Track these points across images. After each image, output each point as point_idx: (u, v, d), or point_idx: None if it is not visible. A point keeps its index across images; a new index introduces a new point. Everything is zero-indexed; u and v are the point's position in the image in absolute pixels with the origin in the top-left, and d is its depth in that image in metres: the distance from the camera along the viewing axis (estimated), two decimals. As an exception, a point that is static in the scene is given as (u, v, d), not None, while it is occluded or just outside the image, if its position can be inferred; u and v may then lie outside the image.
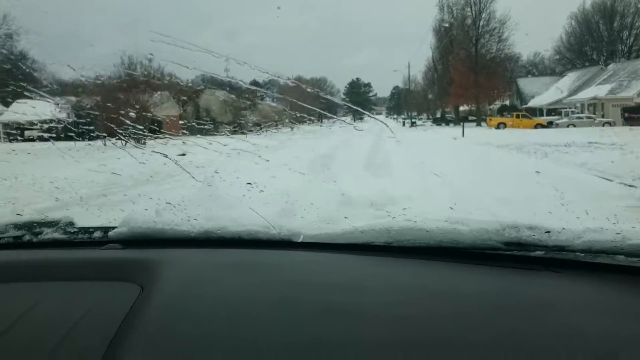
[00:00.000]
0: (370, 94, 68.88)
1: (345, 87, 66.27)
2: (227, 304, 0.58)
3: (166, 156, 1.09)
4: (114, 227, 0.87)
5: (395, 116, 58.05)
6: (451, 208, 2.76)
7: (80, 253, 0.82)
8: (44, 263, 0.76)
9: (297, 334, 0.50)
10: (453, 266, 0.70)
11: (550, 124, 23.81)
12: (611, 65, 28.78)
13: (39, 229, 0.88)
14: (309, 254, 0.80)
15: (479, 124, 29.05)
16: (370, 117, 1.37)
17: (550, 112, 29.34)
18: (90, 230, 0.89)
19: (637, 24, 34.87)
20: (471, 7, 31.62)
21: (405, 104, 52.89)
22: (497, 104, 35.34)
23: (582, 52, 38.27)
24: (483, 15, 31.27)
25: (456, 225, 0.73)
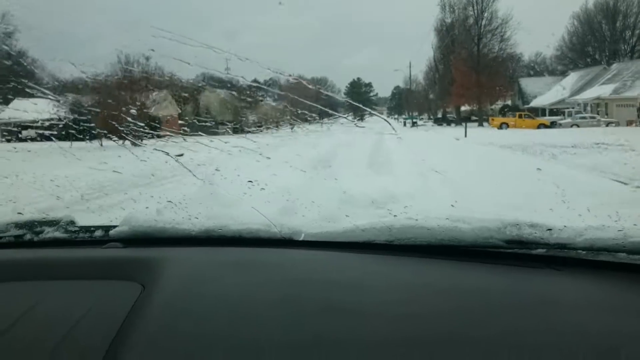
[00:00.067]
0: (371, 94, 69.00)
1: (346, 87, 66.48)
2: (229, 303, 0.58)
3: (168, 154, 1.09)
4: (115, 226, 0.87)
5: (396, 116, 58.05)
6: (452, 205, 2.77)
7: (81, 252, 0.82)
8: (45, 262, 0.76)
9: (299, 332, 0.50)
10: (454, 264, 0.70)
11: (553, 124, 23.78)
12: (615, 65, 28.78)
13: (40, 228, 0.88)
14: (310, 252, 0.80)
15: (480, 124, 29.05)
16: (373, 113, 1.37)
17: (552, 112, 29.30)
18: (92, 229, 0.89)
19: (640, 23, 35.11)
20: (473, 6, 31.71)
21: (406, 104, 52.91)
22: (499, 104, 35.32)
23: (584, 52, 38.29)
24: (485, 15, 31.41)
25: (457, 223, 0.74)
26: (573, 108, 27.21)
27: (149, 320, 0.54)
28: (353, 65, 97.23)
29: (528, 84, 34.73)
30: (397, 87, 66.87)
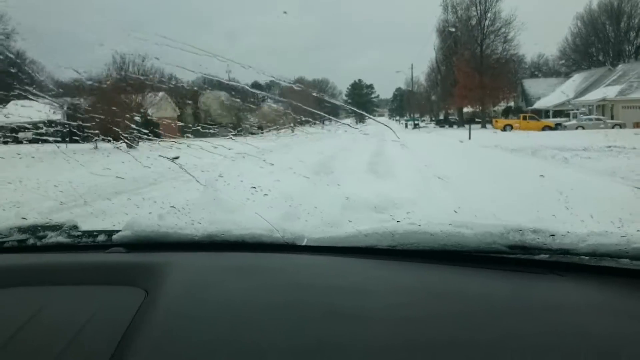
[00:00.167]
0: (373, 96, 69.48)
1: (347, 88, 66.90)
2: (232, 308, 0.59)
3: (172, 160, 1.09)
4: (117, 231, 0.88)
5: (397, 118, 58.37)
6: (455, 211, 2.76)
7: (84, 257, 0.83)
8: (48, 267, 0.76)
9: (301, 337, 0.51)
10: (457, 269, 0.71)
11: (558, 126, 23.84)
12: (620, 66, 28.87)
13: (43, 233, 0.89)
14: (313, 257, 0.81)
15: (483, 126, 29.12)
16: (373, 119, 1.37)
17: (556, 113, 29.38)
18: (94, 233, 0.90)
19: (644, 24, 35.35)
20: (476, 7, 31.78)
21: (407, 105, 53.22)
22: (502, 106, 35.48)
23: (588, 53, 38.43)
24: (488, 15, 31.48)
25: (460, 229, 0.74)
26: (578, 110, 27.29)
27: (153, 325, 0.54)
28: (354, 67, 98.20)
29: (531, 86, 34.86)
30: (398, 89, 67.38)
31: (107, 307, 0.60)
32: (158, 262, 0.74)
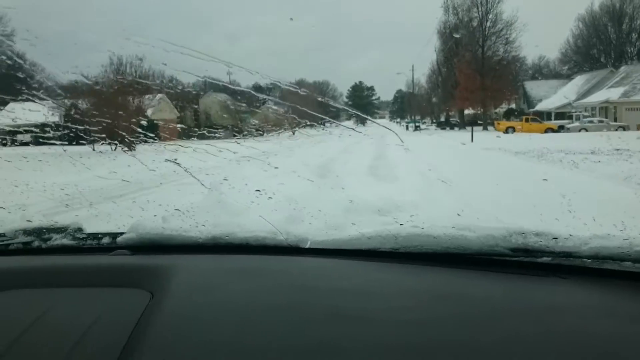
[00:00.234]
0: (373, 98, 69.72)
1: (348, 90, 67.16)
2: (236, 310, 0.59)
3: (179, 165, 1.10)
4: (122, 233, 0.89)
5: (398, 120, 58.48)
6: (458, 214, 2.77)
7: (89, 259, 0.83)
8: (53, 269, 0.77)
9: (305, 339, 0.52)
10: (460, 272, 0.71)
11: (561, 128, 23.87)
12: (623, 68, 28.86)
13: (48, 235, 0.90)
14: (316, 259, 0.82)
15: (485, 128, 29.13)
16: (374, 122, 1.39)
17: (558, 116, 29.43)
18: (99, 236, 0.91)
19: (646, 26, 35.50)
20: (478, 8, 31.80)
21: (408, 107, 53.35)
22: (503, 108, 35.55)
23: (590, 55, 38.53)
24: (490, 17, 31.46)
25: (463, 232, 0.75)
26: (580, 112, 27.34)
27: (158, 327, 0.55)
28: (355, 69, 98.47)
29: (533, 88, 34.93)
30: (399, 91, 67.60)
31: (112, 309, 0.61)
32: (163, 264, 0.75)
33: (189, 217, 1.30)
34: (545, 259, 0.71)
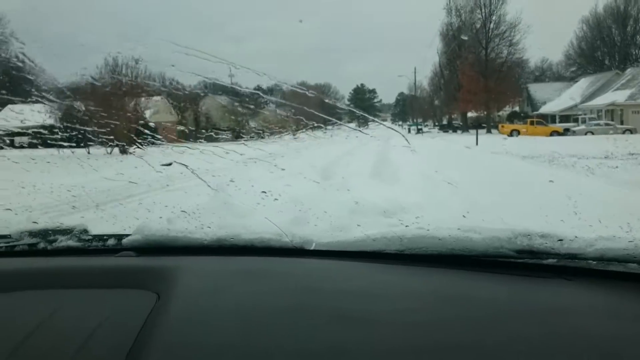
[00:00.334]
0: (375, 100, 70.06)
1: (350, 93, 67.50)
2: (242, 312, 0.60)
3: (187, 167, 1.11)
4: (127, 235, 0.90)
5: (400, 123, 58.66)
6: (464, 216, 2.76)
7: (94, 261, 0.85)
8: (59, 271, 0.78)
9: (310, 341, 0.52)
10: (465, 274, 0.72)
11: (566, 131, 23.85)
12: (629, 70, 28.88)
13: (54, 237, 0.91)
14: (321, 261, 0.82)
15: (489, 131, 29.08)
16: (380, 123, 1.39)
17: (562, 118, 29.45)
18: (105, 237, 0.92)
19: (652, 28, 35.67)
20: (481, 10, 31.93)
21: (410, 110, 53.57)
22: (507, 110, 35.63)
23: (594, 57, 38.57)
24: (493, 18, 31.55)
25: (468, 233, 0.76)
26: (585, 114, 27.35)
27: (165, 329, 0.55)
28: (356, 71, 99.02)
29: (537, 90, 35.02)
30: (401, 94, 67.98)
31: (118, 311, 0.62)
32: (168, 266, 0.76)
33: (194, 218, 1.31)
34: (551, 261, 0.72)
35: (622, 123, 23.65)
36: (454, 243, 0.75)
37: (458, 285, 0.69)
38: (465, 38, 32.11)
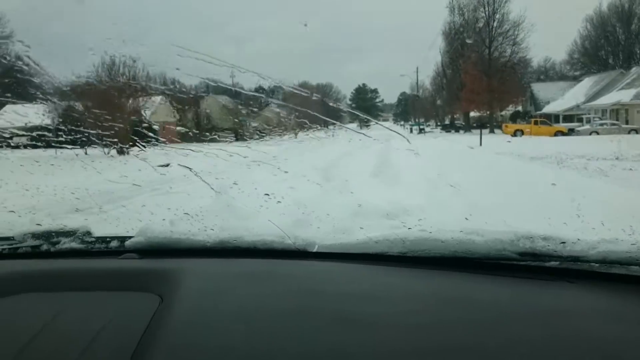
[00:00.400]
0: (377, 100, 70.05)
1: (352, 92, 67.48)
2: (245, 314, 0.60)
3: (191, 170, 1.12)
4: (130, 237, 0.91)
5: (402, 122, 58.60)
6: (466, 219, 2.75)
7: (97, 263, 0.85)
8: (62, 273, 0.79)
9: (312, 344, 0.53)
10: (468, 276, 0.73)
11: (571, 131, 23.75)
12: (634, 69, 28.65)
13: (57, 239, 0.92)
14: (324, 263, 0.83)
15: (492, 131, 29.03)
16: (378, 124, 1.39)
17: (566, 118, 29.33)
18: (107, 239, 0.93)
19: (656, 26, 35.48)
20: (484, 8, 31.74)
21: (412, 110, 53.51)
22: (510, 110, 35.51)
23: (597, 57, 38.41)
24: (497, 17, 31.38)
25: (471, 236, 0.76)
26: (590, 114, 27.23)
27: (168, 332, 0.56)
28: (358, 71, 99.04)
29: (540, 90, 34.84)
30: (403, 93, 67.86)
31: (121, 313, 0.62)
32: (171, 268, 0.76)
33: (197, 221, 1.32)
34: (553, 263, 0.72)
35: (627, 123, 23.51)
36: (457, 245, 0.75)
37: (460, 288, 0.69)
38: (470, 41, 31.91)
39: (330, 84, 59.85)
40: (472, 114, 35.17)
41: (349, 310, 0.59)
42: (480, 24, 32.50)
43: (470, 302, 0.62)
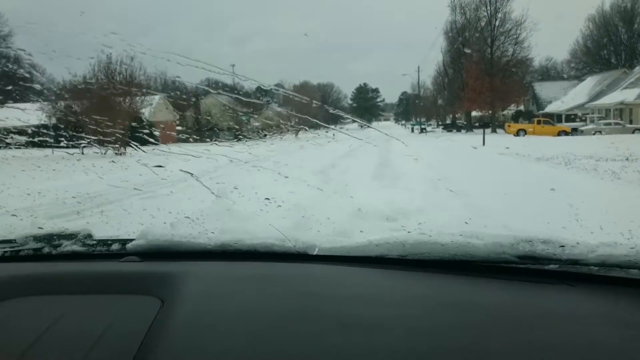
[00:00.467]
0: (378, 100, 70.02)
1: (353, 92, 67.52)
2: (247, 317, 0.61)
3: (192, 175, 1.12)
4: (131, 240, 0.91)
5: (403, 122, 58.65)
6: (466, 223, 2.74)
7: (98, 266, 0.86)
8: (64, 275, 0.79)
9: (313, 346, 0.53)
10: (467, 279, 0.73)
11: (574, 131, 23.64)
12: (638, 68, 28.48)
13: (58, 241, 0.92)
14: (324, 266, 0.83)
15: (494, 131, 28.94)
16: (375, 129, 1.39)
17: (568, 118, 29.25)
18: (109, 242, 0.93)
19: (659, 25, 35.37)
20: (486, 7, 31.65)
21: (413, 109, 53.49)
22: (512, 110, 35.44)
23: (600, 56, 38.27)
24: (499, 16, 31.24)
25: (471, 239, 0.77)
26: (593, 114, 27.15)
27: (170, 335, 0.56)
28: (359, 71, 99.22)
29: (542, 89, 34.75)
30: (404, 93, 67.87)
31: (123, 317, 0.62)
32: (172, 271, 0.77)
33: (198, 224, 1.32)
34: (553, 267, 0.72)
35: (631, 122, 23.43)
36: (456, 249, 0.76)
37: (460, 291, 0.69)
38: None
39: (331, 84, 59.96)
40: (473, 113, 35.12)
41: (349, 313, 0.60)
42: (482, 23, 32.45)
43: (470, 305, 0.63)
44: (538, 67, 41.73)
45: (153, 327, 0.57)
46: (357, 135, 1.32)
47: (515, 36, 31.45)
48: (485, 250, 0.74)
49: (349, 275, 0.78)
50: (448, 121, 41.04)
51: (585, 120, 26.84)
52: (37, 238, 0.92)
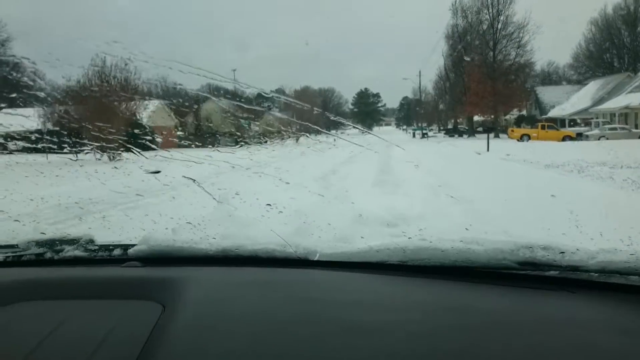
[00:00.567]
0: (379, 105, 70.31)
1: (354, 97, 67.87)
2: (248, 323, 0.61)
3: (194, 181, 1.13)
4: (133, 245, 0.92)
5: (404, 127, 58.82)
6: (466, 229, 2.75)
7: (100, 271, 0.87)
8: (66, 281, 0.81)
9: (314, 352, 0.53)
10: (467, 285, 0.74)
11: (579, 136, 23.53)
12: (642, 72, 28.75)
13: (60, 247, 0.94)
14: (325, 272, 0.84)
15: (497, 136, 28.83)
16: (375, 135, 1.41)
17: (572, 122, 29.22)
18: (111, 247, 0.95)
19: (663, 29, 35.59)
20: (488, 10, 31.79)
21: (415, 114, 53.67)
22: (514, 114, 35.47)
23: (602, 60, 38.34)
24: (501, 19, 31.30)
25: (471, 245, 0.78)
26: (598, 118, 27.12)
27: (171, 340, 0.57)
28: (361, 75, 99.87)
29: (545, 93, 34.78)
30: (405, 98, 68.21)
31: (124, 322, 0.63)
32: (174, 276, 0.78)
33: (199, 229, 1.33)
34: (553, 273, 0.73)
35: (636, 127, 23.32)
36: (457, 255, 0.77)
37: (460, 297, 0.70)
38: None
39: (332, 89, 60.42)
40: (475, 118, 35.16)
41: (350, 319, 0.61)
42: (484, 26, 32.45)
43: (470, 311, 0.63)
44: (540, 72, 41.97)
45: (154, 332, 0.58)
46: (358, 142, 1.34)
47: (517, 39, 31.52)
48: (486, 256, 0.75)
49: (349, 281, 0.79)
50: (449, 126, 41.10)
51: (589, 125, 26.79)
52: (39, 243, 0.94)
